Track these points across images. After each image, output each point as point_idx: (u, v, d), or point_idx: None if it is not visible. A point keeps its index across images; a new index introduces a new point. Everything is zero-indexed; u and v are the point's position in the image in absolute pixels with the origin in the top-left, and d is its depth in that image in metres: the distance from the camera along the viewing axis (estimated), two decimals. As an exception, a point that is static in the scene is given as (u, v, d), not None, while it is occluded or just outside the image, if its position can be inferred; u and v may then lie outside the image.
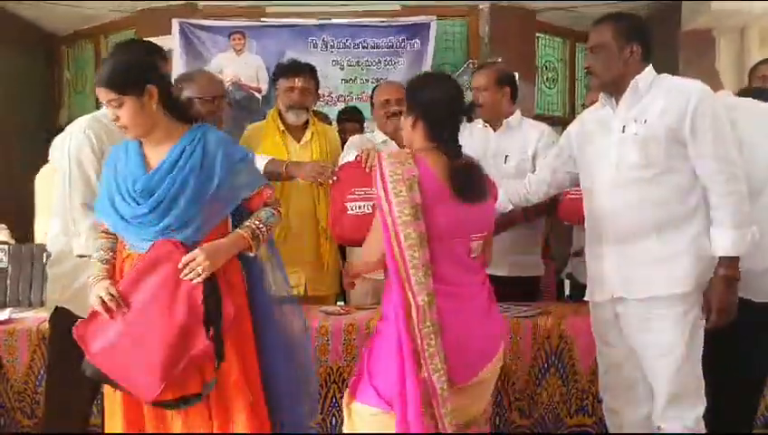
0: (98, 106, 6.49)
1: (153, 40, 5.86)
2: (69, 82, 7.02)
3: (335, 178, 2.84)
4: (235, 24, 5.83)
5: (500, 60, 5.94)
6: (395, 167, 2.02)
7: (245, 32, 5.74)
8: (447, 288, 2.01)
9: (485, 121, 3.25)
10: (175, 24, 5.67)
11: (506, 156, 3.18)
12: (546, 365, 2.75)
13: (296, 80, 3.25)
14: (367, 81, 5.77)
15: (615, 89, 2.32)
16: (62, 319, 2.38)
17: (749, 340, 2.27)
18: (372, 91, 3.47)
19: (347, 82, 5.80)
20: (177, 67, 5.68)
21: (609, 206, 2.30)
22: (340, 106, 5.66)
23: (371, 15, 6.05)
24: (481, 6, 6.27)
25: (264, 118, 3.45)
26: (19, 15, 6.38)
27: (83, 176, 2.34)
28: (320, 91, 4.98)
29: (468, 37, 6.34)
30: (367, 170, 2.80)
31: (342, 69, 5.79)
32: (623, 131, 2.28)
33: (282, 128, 3.28)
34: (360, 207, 2.80)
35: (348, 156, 3.07)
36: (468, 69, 6.13)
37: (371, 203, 2.83)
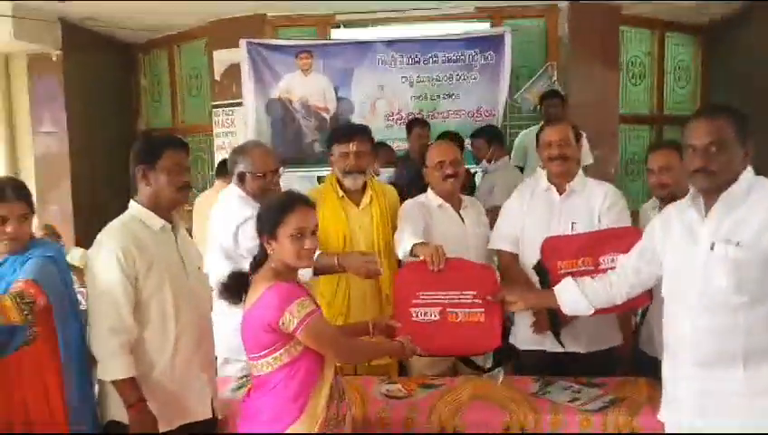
0: (174, 116, 6.72)
1: (223, 52, 5.98)
2: (145, 90, 7.13)
3: (381, 270, 2.75)
4: (302, 43, 5.75)
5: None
6: None
7: (312, 51, 5.63)
8: None
9: (552, 183, 3.05)
10: (242, 44, 5.62)
11: (573, 223, 2.97)
12: (618, 465, 2.58)
13: (350, 145, 3.15)
14: (438, 97, 5.58)
15: (721, 191, 2.07)
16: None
17: None
18: (424, 152, 3.30)
19: (417, 99, 5.61)
20: (246, 86, 5.67)
21: (693, 329, 2.09)
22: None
23: (444, 19, 5.85)
24: (560, 5, 5.93)
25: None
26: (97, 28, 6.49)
27: (113, 301, 2.30)
28: (390, 110, 4.87)
29: (547, 37, 6.02)
30: (435, 270, 2.69)
31: (412, 86, 5.59)
32: (712, 249, 2.04)
33: (341, 194, 3.19)
34: (425, 314, 2.70)
35: (405, 230, 2.96)
36: (546, 72, 5.86)
37: (439, 309, 2.72)
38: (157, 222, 2.45)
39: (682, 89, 6.67)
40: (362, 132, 3.24)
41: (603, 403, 2.65)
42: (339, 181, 3.22)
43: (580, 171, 3.09)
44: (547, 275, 2.79)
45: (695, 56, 6.68)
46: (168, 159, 2.43)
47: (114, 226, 2.43)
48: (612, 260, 2.65)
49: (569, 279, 2.61)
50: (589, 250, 2.73)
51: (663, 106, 6.54)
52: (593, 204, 2.98)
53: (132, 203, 2.48)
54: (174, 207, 2.53)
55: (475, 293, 2.72)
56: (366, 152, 3.20)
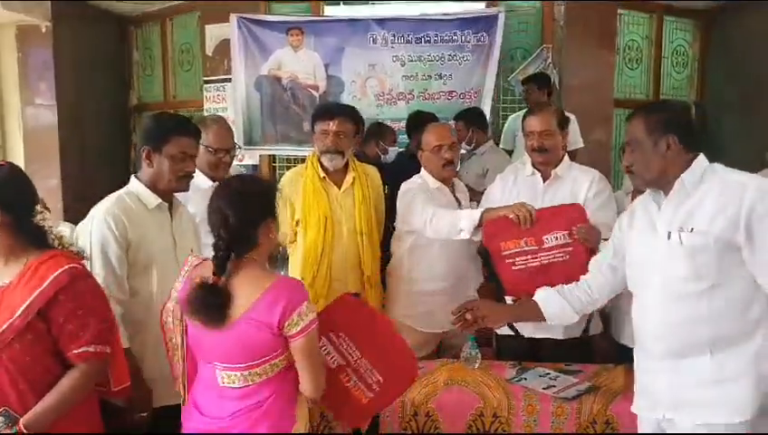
0: (165, 90, 6.64)
1: (215, 27, 5.89)
2: (138, 64, 7.04)
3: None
4: (293, 19, 5.64)
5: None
6: None
7: (303, 27, 5.53)
8: (197, 409, 1.96)
9: (537, 169, 3.01)
10: (233, 18, 5.52)
11: None
12: (591, 452, 2.56)
13: (331, 123, 3.10)
14: (429, 77, 5.47)
15: (662, 185, 2.10)
16: None
17: None
18: (418, 132, 3.23)
19: (408, 79, 5.50)
20: (236, 62, 5.60)
21: (658, 321, 2.09)
22: (401, 105, 5.48)
23: (439, -1, 5.73)
24: (555, -13, 5.83)
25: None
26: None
27: (108, 267, 2.29)
28: (381, 90, 4.79)
29: (543, 19, 5.91)
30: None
31: (403, 65, 5.47)
32: (668, 238, 2.05)
33: (322, 174, 3.14)
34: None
35: (433, 210, 2.93)
36: (541, 55, 5.78)
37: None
38: (153, 200, 2.43)
39: (679, 74, 6.57)
40: (345, 112, 3.18)
41: (578, 391, 2.64)
42: (320, 161, 3.17)
43: (566, 157, 3.05)
44: (489, 258, 2.81)
45: (693, 41, 6.57)
46: (175, 145, 2.40)
47: (109, 199, 2.42)
48: (556, 238, 2.72)
49: (547, 289, 2.56)
50: (531, 230, 2.73)
51: (659, 91, 6.44)
52: (578, 191, 2.95)
53: (133, 179, 2.47)
54: (171, 193, 2.50)
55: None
56: (347, 133, 3.15)
